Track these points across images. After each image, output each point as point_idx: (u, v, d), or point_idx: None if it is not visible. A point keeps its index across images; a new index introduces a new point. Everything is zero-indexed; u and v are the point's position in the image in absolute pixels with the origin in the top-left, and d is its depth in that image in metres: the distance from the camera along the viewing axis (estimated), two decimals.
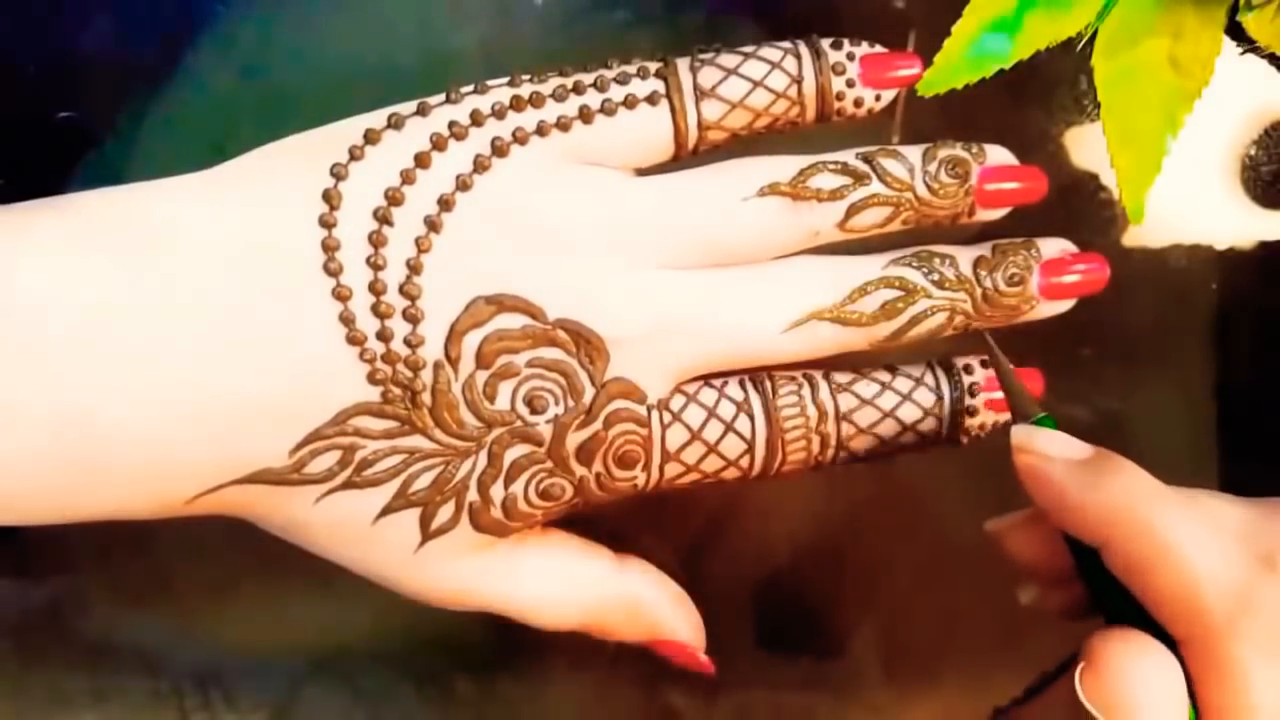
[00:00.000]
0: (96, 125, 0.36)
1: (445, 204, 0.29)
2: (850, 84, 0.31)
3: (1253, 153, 0.37)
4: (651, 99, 0.30)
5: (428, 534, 0.30)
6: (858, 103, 0.31)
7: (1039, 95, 0.37)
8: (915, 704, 0.39)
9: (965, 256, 0.31)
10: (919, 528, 0.39)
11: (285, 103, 0.36)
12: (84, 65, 0.37)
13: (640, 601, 0.32)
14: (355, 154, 0.29)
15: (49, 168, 0.36)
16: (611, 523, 0.34)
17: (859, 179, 0.30)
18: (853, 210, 0.30)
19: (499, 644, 0.38)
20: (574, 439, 0.30)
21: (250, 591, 0.38)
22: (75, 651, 0.38)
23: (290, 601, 0.38)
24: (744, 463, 0.31)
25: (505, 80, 0.30)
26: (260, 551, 0.37)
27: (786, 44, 0.31)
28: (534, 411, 0.30)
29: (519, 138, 0.30)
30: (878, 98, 0.31)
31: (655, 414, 0.30)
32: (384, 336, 0.29)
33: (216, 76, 0.37)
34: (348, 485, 0.29)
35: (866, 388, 0.31)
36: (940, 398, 0.32)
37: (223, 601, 0.38)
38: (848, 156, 0.31)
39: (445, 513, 0.30)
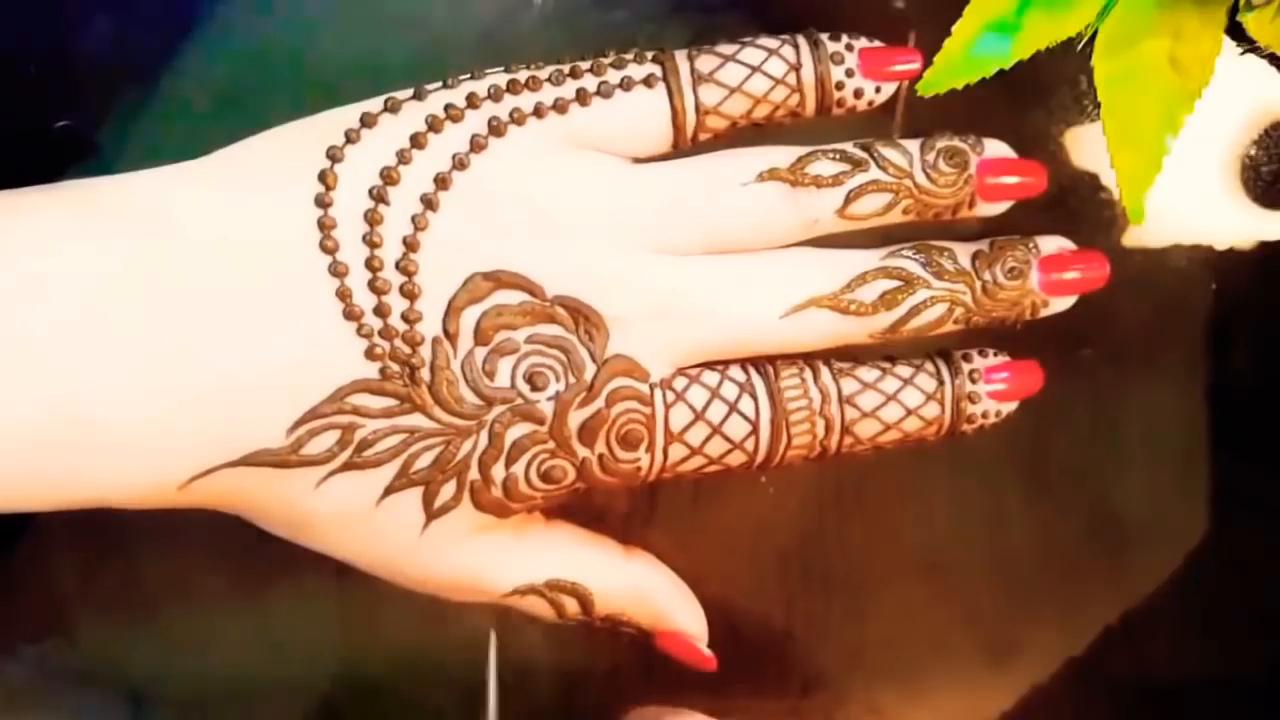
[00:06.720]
0: (93, 130, 0.36)
1: (442, 183, 0.29)
2: (849, 74, 0.31)
3: (1253, 153, 0.37)
4: (648, 82, 0.30)
5: (431, 513, 0.30)
6: (858, 93, 0.31)
7: (1039, 95, 0.37)
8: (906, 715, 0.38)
9: (964, 250, 0.31)
10: (907, 538, 0.38)
11: (282, 105, 0.36)
12: (81, 67, 0.37)
13: (647, 591, 0.32)
14: (351, 137, 0.29)
15: (44, 171, 0.36)
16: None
17: (857, 165, 0.30)
18: (851, 197, 0.30)
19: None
20: (576, 417, 0.29)
21: (238, 627, 0.38)
22: (59, 690, 0.37)
23: (278, 636, 0.38)
24: (749, 445, 0.31)
25: (502, 68, 0.31)
26: (248, 584, 0.37)
27: (784, 35, 0.31)
28: (535, 389, 0.29)
29: (516, 119, 0.30)
30: (878, 89, 0.31)
31: (658, 393, 0.30)
32: (381, 312, 0.29)
33: (213, 76, 0.37)
34: (348, 466, 0.29)
35: (868, 372, 0.31)
36: (942, 383, 0.31)
37: (210, 635, 0.38)
38: (846, 145, 0.31)
39: (448, 491, 0.30)
